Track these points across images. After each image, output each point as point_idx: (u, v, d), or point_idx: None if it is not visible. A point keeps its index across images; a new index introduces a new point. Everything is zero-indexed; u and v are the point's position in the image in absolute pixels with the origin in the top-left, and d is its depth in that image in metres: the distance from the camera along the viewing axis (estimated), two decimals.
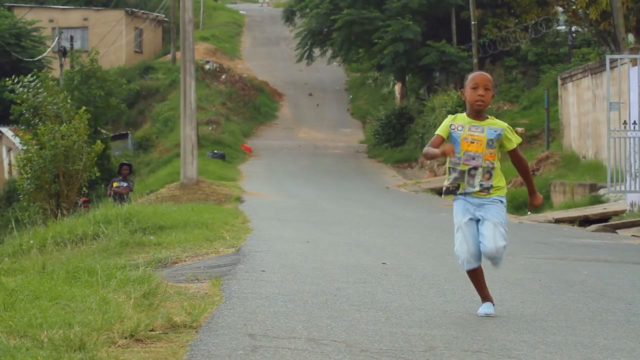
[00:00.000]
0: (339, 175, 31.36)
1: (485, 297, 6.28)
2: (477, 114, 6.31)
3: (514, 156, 6.45)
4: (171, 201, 19.22)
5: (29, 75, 23.54)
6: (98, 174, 19.41)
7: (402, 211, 18.74)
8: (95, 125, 35.04)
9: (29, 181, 18.45)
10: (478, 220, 6.27)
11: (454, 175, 6.33)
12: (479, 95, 6.29)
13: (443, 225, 14.36)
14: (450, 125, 6.33)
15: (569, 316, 6.25)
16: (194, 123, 22.40)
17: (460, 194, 6.36)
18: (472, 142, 6.25)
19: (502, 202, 6.32)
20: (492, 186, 6.30)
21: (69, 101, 21.38)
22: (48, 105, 19.87)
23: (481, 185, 6.27)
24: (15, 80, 23.32)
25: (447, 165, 6.39)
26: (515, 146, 6.39)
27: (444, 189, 6.42)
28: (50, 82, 21.86)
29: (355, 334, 5.28)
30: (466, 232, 6.22)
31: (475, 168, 6.26)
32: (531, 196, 6.64)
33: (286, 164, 33.91)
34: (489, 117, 6.35)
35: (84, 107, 20.09)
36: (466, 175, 6.28)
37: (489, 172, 6.29)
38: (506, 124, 6.39)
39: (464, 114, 6.36)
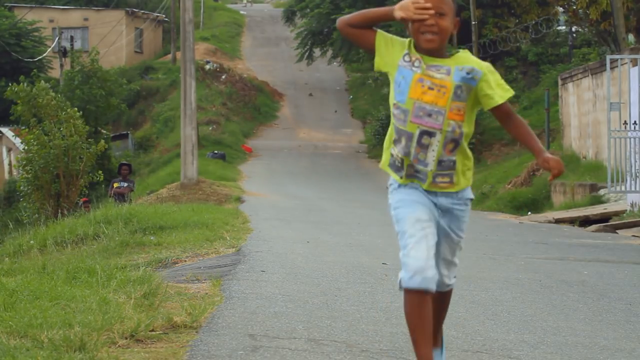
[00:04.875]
0: (339, 175, 31.36)
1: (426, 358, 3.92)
2: (434, 52, 4.01)
3: (502, 115, 4.06)
4: (171, 201, 19.22)
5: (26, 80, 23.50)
6: (101, 178, 19.43)
7: None
8: (96, 125, 35.09)
9: (29, 181, 18.46)
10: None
11: (397, 139, 4.07)
12: (429, 25, 3.94)
13: None
14: (404, 53, 4.02)
15: (569, 316, 6.25)
16: (194, 123, 22.40)
17: (408, 175, 4.06)
18: (431, 89, 3.95)
19: (471, 200, 4.20)
20: (455, 165, 4.03)
21: (66, 102, 21.39)
22: (45, 106, 19.92)
23: (440, 162, 3.99)
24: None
25: (391, 119, 4.12)
26: (501, 101, 3.99)
27: (390, 159, 4.13)
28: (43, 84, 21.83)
29: (355, 334, 5.28)
30: (428, 233, 3.99)
31: (431, 133, 3.97)
32: (538, 157, 4.02)
33: (286, 164, 33.90)
34: (458, 50, 4.09)
35: (75, 109, 20.09)
36: (414, 142, 3.99)
37: (454, 141, 3.99)
38: (487, 64, 4.07)
39: (413, 42, 4.05)
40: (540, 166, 4.09)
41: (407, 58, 4.01)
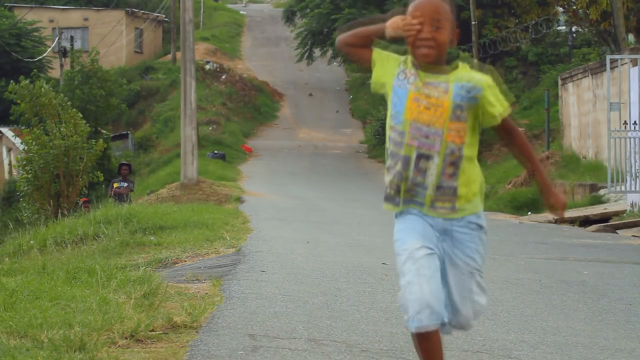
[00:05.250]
0: (339, 175, 31.35)
1: None
2: (432, 65, 3.78)
3: (503, 131, 3.88)
4: (171, 201, 19.21)
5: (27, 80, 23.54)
6: (101, 179, 19.43)
7: None
8: (96, 125, 35.12)
9: (29, 181, 18.46)
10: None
11: (392, 165, 3.79)
12: (424, 39, 3.74)
13: None
14: (398, 71, 3.81)
15: (569, 316, 6.25)
16: (194, 123, 22.39)
17: (405, 201, 3.77)
18: (427, 108, 3.73)
19: (481, 227, 3.83)
20: (456, 191, 3.75)
21: (67, 102, 21.45)
22: (47, 105, 20.01)
23: (438, 188, 3.73)
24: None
25: (387, 144, 3.85)
26: (500, 119, 3.81)
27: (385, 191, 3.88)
28: (44, 85, 21.93)
29: (355, 334, 5.28)
30: (422, 264, 3.68)
31: (428, 156, 3.73)
32: (545, 193, 3.88)
33: (286, 164, 33.90)
34: (458, 64, 3.80)
35: (75, 110, 20.13)
36: (411, 166, 3.74)
37: (453, 164, 3.74)
38: (486, 78, 3.80)
39: (410, 58, 3.84)
40: (545, 204, 3.91)
41: (401, 76, 3.79)
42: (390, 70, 3.83)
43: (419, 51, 3.75)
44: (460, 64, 3.80)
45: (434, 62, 3.76)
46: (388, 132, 3.82)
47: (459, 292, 3.80)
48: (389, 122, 3.82)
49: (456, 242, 3.78)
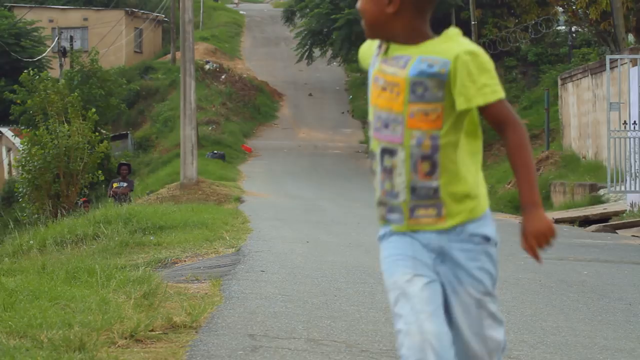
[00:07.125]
0: (339, 175, 31.35)
1: None
2: (398, 37, 2.91)
3: (492, 119, 2.82)
4: (171, 201, 19.21)
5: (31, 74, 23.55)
6: (102, 178, 19.44)
7: None
8: (96, 125, 35.12)
9: (28, 181, 18.46)
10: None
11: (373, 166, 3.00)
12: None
13: None
14: (375, 47, 3.05)
15: (569, 316, 6.25)
16: (194, 123, 22.38)
17: (380, 215, 2.94)
18: (384, 89, 2.95)
19: (488, 239, 3.03)
20: (437, 192, 2.84)
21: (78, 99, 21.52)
22: (55, 103, 20.06)
23: (413, 190, 2.85)
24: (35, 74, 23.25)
25: None
26: (480, 102, 2.77)
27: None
28: (55, 82, 22.04)
29: (355, 334, 5.27)
30: (419, 300, 2.80)
31: (391, 151, 2.89)
32: (526, 214, 3.03)
33: (286, 164, 33.90)
34: (443, 35, 2.89)
35: (93, 109, 20.17)
36: (379, 166, 2.93)
37: (427, 158, 2.83)
38: (465, 49, 2.79)
39: None
40: (524, 223, 3.04)
41: (376, 52, 3.01)
42: (371, 48, 3.08)
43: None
44: (448, 33, 2.91)
45: (371, 35, 2.99)
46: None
47: (467, 327, 2.93)
48: None
49: (457, 263, 2.91)
